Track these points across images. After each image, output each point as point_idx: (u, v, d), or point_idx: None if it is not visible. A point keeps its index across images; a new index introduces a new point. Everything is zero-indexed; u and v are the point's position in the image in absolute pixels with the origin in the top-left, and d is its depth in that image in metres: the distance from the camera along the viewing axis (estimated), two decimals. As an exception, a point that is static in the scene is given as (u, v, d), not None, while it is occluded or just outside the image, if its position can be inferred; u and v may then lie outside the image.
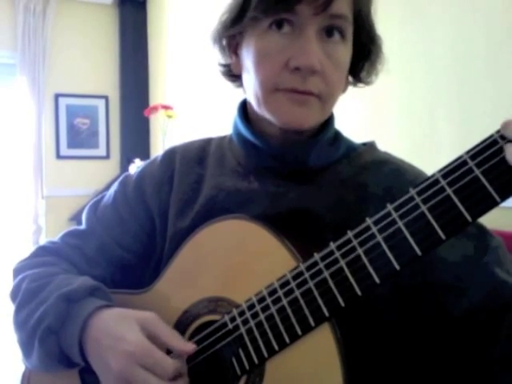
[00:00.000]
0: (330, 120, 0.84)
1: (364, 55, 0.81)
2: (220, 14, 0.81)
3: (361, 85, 0.85)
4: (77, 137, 4.77)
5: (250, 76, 0.78)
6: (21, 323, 0.81)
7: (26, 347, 0.80)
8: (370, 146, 0.86)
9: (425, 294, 0.73)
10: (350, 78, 0.84)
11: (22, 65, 4.45)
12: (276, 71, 0.73)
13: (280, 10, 0.71)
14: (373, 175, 0.80)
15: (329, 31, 0.73)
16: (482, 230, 0.75)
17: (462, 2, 1.68)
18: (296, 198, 0.78)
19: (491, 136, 0.53)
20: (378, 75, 0.83)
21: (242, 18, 0.76)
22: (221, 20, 0.80)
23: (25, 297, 0.83)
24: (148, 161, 0.95)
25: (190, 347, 0.71)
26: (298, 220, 0.77)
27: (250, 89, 0.79)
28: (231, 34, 0.80)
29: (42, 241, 4.45)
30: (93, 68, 4.82)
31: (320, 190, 0.79)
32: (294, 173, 0.80)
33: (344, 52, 0.75)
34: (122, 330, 0.70)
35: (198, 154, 0.90)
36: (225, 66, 0.87)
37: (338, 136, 0.85)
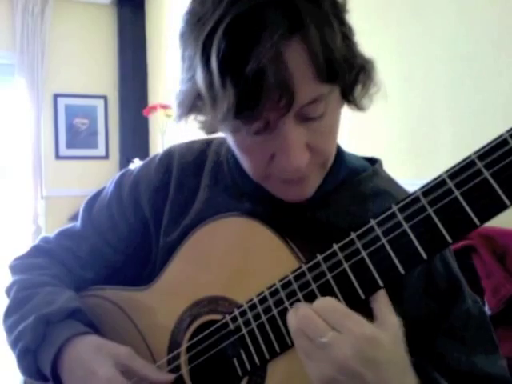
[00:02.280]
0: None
1: (353, 87, 0.70)
2: (175, 94, 0.70)
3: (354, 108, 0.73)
4: (76, 137, 4.77)
5: (236, 154, 0.72)
6: (7, 330, 0.83)
7: (13, 352, 0.81)
8: (373, 172, 0.79)
9: None
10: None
11: (20, 65, 4.44)
12: (263, 165, 0.67)
13: (246, 123, 0.62)
14: (368, 206, 0.74)
15: (310, 117, 0.64)
16: (456, 290, 0.72)
17: (461, 1, 1.67)
18: (289, 223, 0.73)
19: (501, 136, 0.51)
20: (372, 100, 0.73)
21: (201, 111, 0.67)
22: (179, 102, 0.70)
23: (12, 305, 0.85)
24: (146, 161, 0.93)
25: (167, 377, 0.74)
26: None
27: (241, 162, 0.73)
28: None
29: (42, 241, 4.44)
30: (91, 68, 4.82)
31: (314, 221, 0.74)
32: (288, 204, 0.74)
33: (331, 116, 0.67)
34: (95, 363, 0.72)
35: (196, 162, 0.87)
36: (201, 122, 0.74)
37: (338, 159, 0.78)
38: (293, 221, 0.74)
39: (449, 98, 1.73)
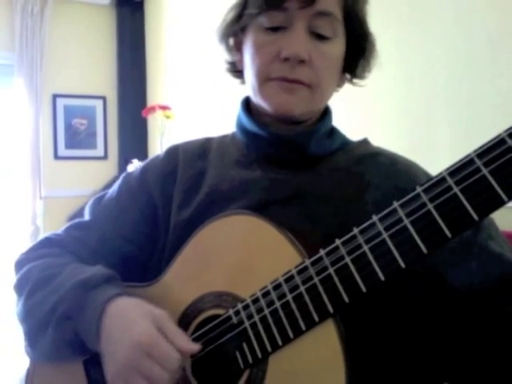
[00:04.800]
0: (327, 113, 0.88)
1: (358, 52, 0.85)
2: (225, 13, 0.88)
3: (356, 81, 0.89)
4: (75, 137, 4.76)
5: (247, 68, 0.84)
6: (30, 310, 0.82)
7: (35, 334, 0.81)
8: (363, 141, 0.90)
9: (424, 275, 0.73)
10: (347, 75, 0.89)
11: (19, 65, 4.43)
12: (268, 61, 0.80)
13: (271, 6, 0.77)
14: (368, 165, 0.83)
15: (318, 33, 0.78)
16: None
17: (461, 1, 1.68)
18: (296, 184, 0.81)
19: (499, 135, 0.53)
20: (371, 71, 0.88)
21: (241, 16, 0.83)
22: (225, 19, 0.88)
23: (36, 285, 0.83)
24: (151, 157, 0.98)
25: (194, 347, 0.72)
26: (298, 205, 0.79)
27: (248, 80, 0.85)
28: (235, 32, 0.87)
29: (40, 241, 4.43)
30: (90, 68, 4.81)
31: (319, 178, 0.82)
32: (295, 161, 0.84)
33: (334, 48, 0.81)
34: (134, 318, 0.72)
35: (201, 149, 0.93)
36: (230, 63, 0.93)
37: (334, 130, 0.90)
38: (300, 180, 0.81)
39: (447, 100, 1.74)
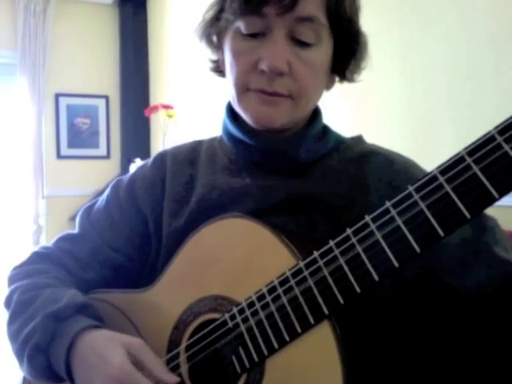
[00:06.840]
0: (316, 115, 0.85)
1: (348, 54, 0.80)
2: (204, 11, 0.83)
3: (345, 82, 0.85)
4: (77, 136, 4.77)
5: (227, 74, 0.81)
6: (12, 336, 0.81)
7: (19, 358, 0.80)
8: (357, 139, 0.87)
9: (428, 281, 0.72)
10: (336, 77, 0.84)
11: (22, 65, 4.45)
12: (246, 71, 0.76)
13: (248, 11, 0.72)
14: (363, 166, 0.81)
15: (299, 40, 0.73)
16: None
17: (462, 2, 1.67)
18: (288, 191, 0.79)
19: (489, 133, 0.53)
20: (361, 73, 0.83)
21: (219, 18, 0.79)
22: (204, 17, 0.83)
23: (15, 309, 0.83)
24: (139, 165, 0.96)
25: (172, 379, 0.71)
26: (290, 211, 0.78)
27: (229, 87, 0.81)
28: (215, 32, 0.83)
29: (43, 241, 4.47)
30: (93, 68, 4.83)
31: (312, 182, 0.80)
32: (285, 167, 0.82)
33: (318, 54, 0.76)
34: (108, 351, 0.71)
35: (189, 155, 0.91)
36: (214, 61, 0.89)
37: (326, 130, 0.86)
38: (290, 186, 0.79)
39: (450, 99, 1.73)
